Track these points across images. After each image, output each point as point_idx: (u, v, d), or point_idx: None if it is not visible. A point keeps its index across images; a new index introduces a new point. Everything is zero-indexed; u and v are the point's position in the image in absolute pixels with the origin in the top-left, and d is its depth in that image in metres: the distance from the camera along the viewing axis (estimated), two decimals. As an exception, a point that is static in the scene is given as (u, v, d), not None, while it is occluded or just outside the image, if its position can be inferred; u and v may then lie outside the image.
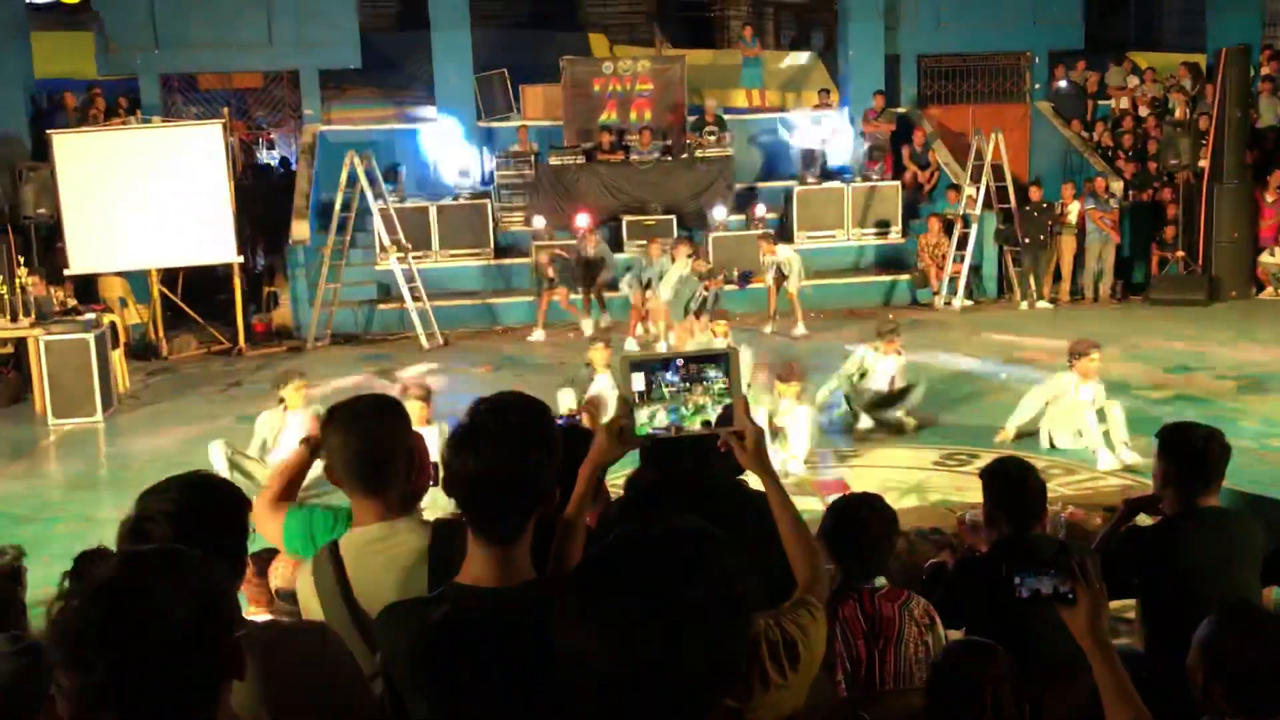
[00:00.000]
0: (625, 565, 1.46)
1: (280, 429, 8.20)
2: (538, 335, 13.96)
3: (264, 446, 8.24)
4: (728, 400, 2.15)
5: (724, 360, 2.16)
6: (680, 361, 2.16)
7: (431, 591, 2.25)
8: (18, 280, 11.39)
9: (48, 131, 13.70)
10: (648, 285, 13.35)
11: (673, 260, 12.86)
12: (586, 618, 1.42)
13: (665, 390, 2.15)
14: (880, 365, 9.45)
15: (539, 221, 15.52)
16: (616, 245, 15.68)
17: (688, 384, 2.15)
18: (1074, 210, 15.47)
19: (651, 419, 2.16)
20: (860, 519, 3.35)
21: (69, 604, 1.43)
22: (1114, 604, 3.73)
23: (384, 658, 2.12)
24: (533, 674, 1.96)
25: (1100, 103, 18.61)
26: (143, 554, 1.55)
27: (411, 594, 2.20)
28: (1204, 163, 15.30)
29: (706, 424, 2.17)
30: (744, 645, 1.48)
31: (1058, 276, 15.66)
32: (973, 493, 7.25)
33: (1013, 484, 3.68)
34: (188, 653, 1.42)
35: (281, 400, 8.30)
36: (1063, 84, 18.60)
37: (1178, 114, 17.20)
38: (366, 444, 2.55)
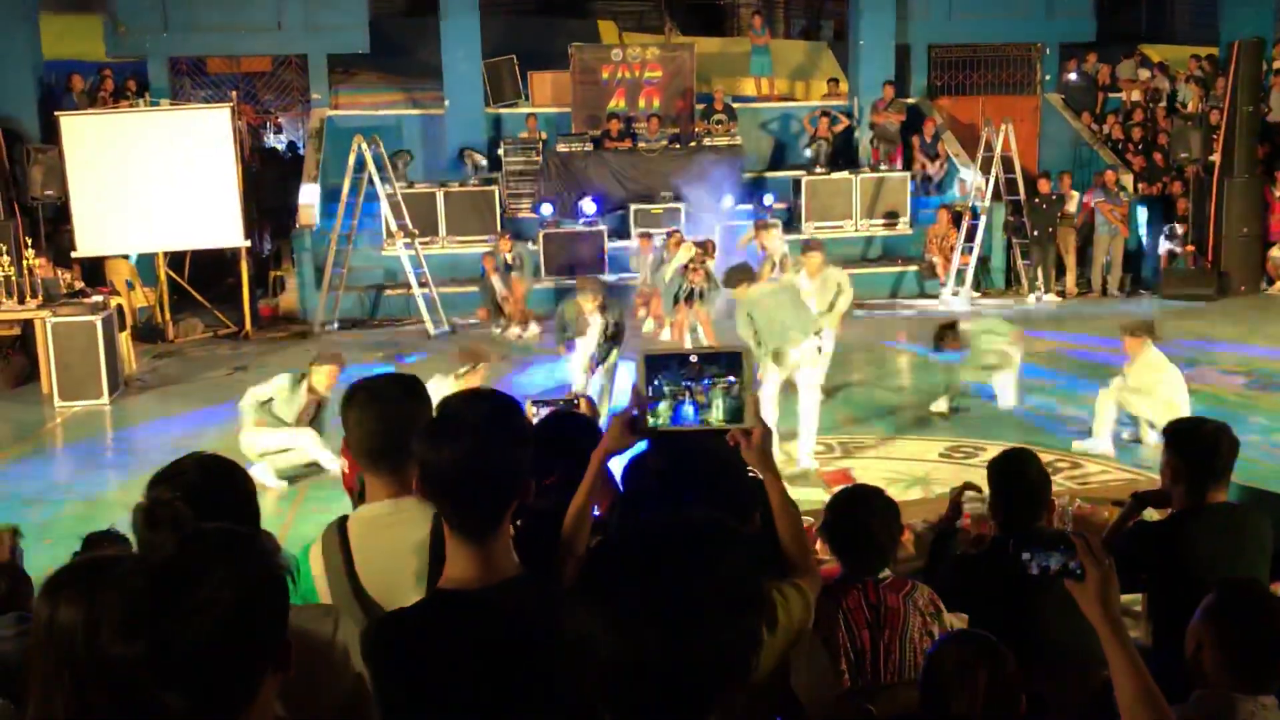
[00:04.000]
0: (641, 554, 1.44)
1: (299, 406, 8.16)
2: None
3: (268, 408, 8.17)
4: (738, 398, 2.22)
5: (736, 359, 2.23)
6: (694, 358, 2.23)
7: (430, 571, 2.27)
8: (25, 262, 11.39)
9: (56, 113, 13.69)
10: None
11: (667, 253, 12.94)
12: (598, 605, 1.41)
13: (680, 385, 2.22)
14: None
15: (546, 208, 15.50)
16: (623, 233, 15.68)
17: (701, 380, 2.21)
18: (1073, 201, 15.43)
19: (665, 412, 2.23)
20: (861, 517, 3.33)
21: (127, 580, 1.44)
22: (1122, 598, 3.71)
23: (372, 675, 2.11)
24: (521, 672, 1.96)
25: (1111, 95, 18.53)
26: (204, 534, 1.55)
27: (412, 573, 2.20)
28: (1215, 157, 15.24)
29: (719, 420, 2.24)
30: (754, 644, 1.46)
31: (1063, 269, 15.60)
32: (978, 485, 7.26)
33: (1015, 477, 3.66)
34: (230, 639, 1.43)
35: (303, 378, 8.22)
36: (1073, 76, 18.53)
37: (1190, 107, 17.12)
38: (382, 423, 2.56)
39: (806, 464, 8.11)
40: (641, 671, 1.38)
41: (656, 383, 2.22)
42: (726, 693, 1.44)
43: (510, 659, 1.97)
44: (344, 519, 2.56)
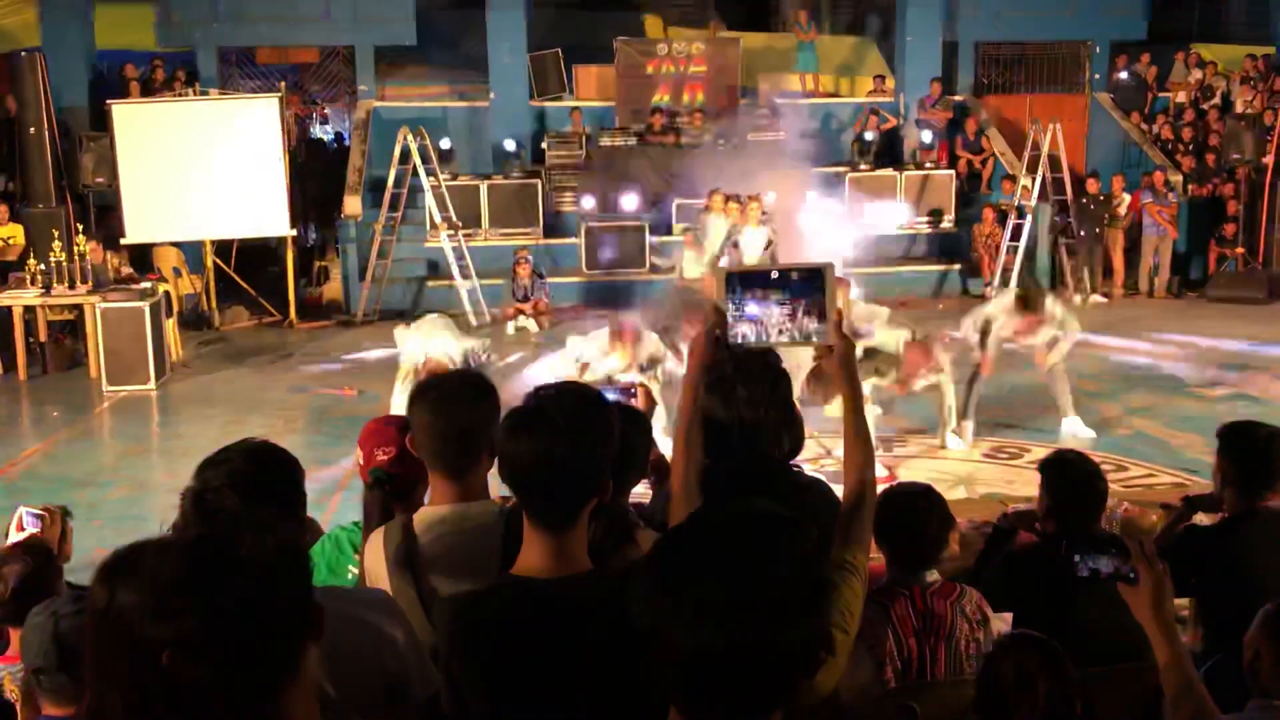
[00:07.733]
0: (713, 542, 1.44)
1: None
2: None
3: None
4: (821, 314, 2.18)
5: (819, 274, 2.18)
6: (775, 274, 2.19)
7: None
8: (76, 248, 11.55)
9: (107, 102, 13.86)
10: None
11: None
12: (670, 594, 1.40)
13: (761, 301, 2.18)
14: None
15: (588, 202, 15.51)
16: (666, 228, 15.65)
17: (783, 295, 2.18)
18: (1124, 203, 15.23)
19: (747, 329, 2.20)
20: (916, 513, 3.28)
21: (156, 559, 1.41)
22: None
23: (440, 648, 2.14)
24: (585, 665, 1.97)
25: (1161, 95, 18.27)
26: (223, 514, 1.55)
27: (479, 579, 2.20)
28: (1268, 158, 14.99)
29: (802, 336, 2.20)
30: (825, 630, 1.47)
31: (1110, 270, 15.41)
32: (1022, 485, 7.19)
33: (1072, 478, 3.61)
34: (274, 603, 1.41)
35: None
36: (1123, 75, 18.29)
37: (1252, 107, 16.84)
38: (452, 426, 2.52)
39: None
40: (713, 667, 1.38)
41: (738, 299, 2.18)
42: (793, 690, 1.44)
43: (577, 652, 1.97)
44: (410, 518, 2.52)
